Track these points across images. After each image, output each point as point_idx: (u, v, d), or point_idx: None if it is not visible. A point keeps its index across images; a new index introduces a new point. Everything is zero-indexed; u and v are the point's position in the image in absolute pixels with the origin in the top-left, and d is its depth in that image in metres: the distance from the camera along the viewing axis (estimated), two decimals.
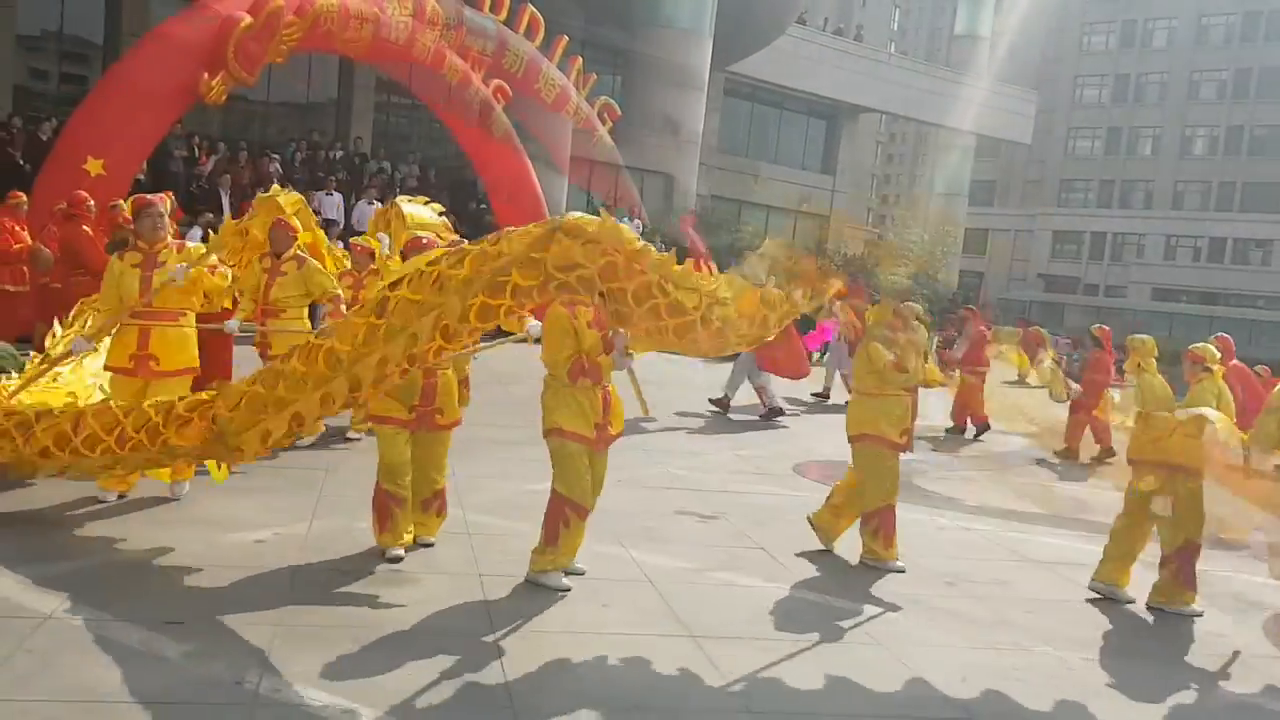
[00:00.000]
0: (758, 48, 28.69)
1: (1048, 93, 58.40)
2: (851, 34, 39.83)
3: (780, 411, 13.03)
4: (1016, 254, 65.14)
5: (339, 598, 5.24)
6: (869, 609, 5.83)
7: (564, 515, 5.59)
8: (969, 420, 13.51)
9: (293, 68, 18.29)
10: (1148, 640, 5.88)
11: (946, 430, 13.38)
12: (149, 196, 6.77)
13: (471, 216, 21.36)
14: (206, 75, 12.22)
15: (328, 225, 17.36)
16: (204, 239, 11.88)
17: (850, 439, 6.90)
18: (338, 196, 19.04)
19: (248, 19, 12.32)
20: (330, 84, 26.59)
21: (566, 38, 16.04)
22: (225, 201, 16.47)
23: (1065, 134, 66.06)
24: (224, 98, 13.04)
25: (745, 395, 14.41)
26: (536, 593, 5.51)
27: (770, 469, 9.76)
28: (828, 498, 7.12)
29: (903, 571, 6.58)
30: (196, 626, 4.66)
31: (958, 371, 13.13)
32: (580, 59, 16.15)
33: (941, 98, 37.48)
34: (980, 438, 13.28)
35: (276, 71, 14.89)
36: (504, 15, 14.70)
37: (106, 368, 6.71)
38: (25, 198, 10.73)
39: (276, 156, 20.13)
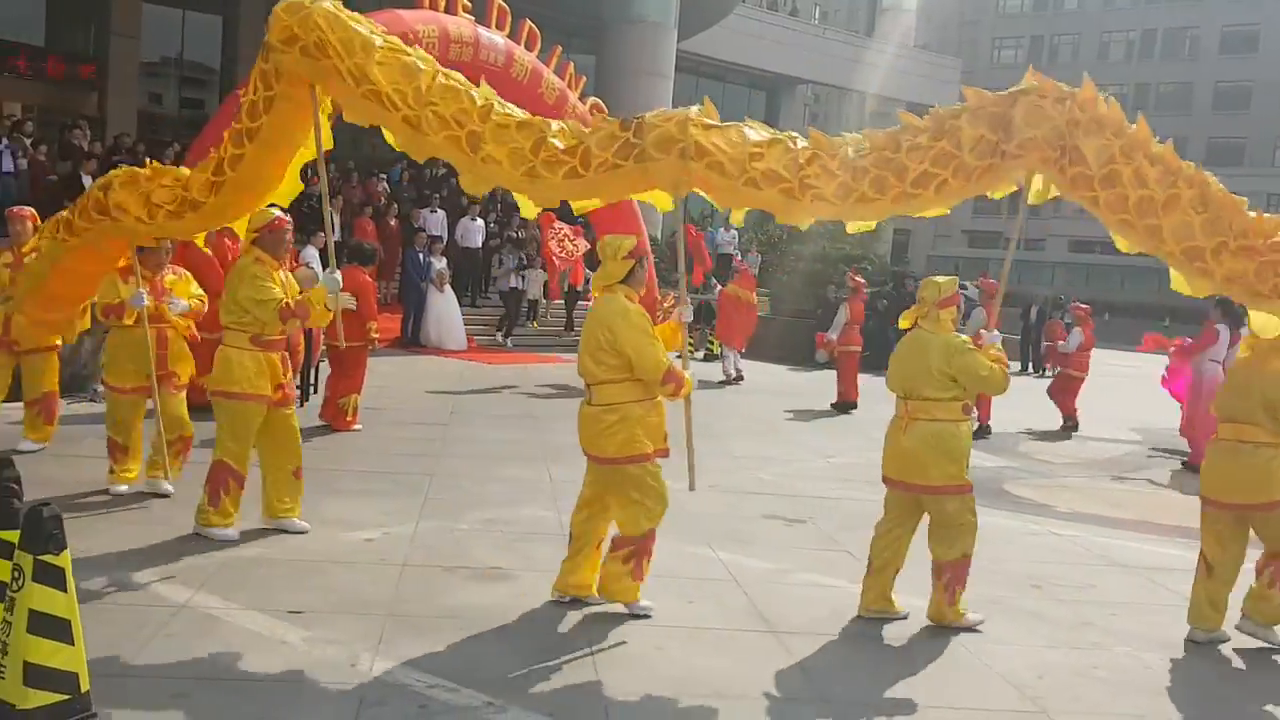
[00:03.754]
0: (706, 27, 30.22)
1: (967, 54, 62.16)
2: (787, 9, 42.99)
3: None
4: None
5: (442, 591, 5.63)
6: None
7: None
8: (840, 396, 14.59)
9: None
10: (1232, 643, 5.90)
11: (832, 405, 14.46)
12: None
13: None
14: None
15: (433, 241, 18.09)
16: (321, 256, 12.49)
17: None
18: (442, 214, 19.73)
19: None
20: None
21: (561, 47, 17.40)
22: (336, 220, 17.21)
23: None
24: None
25: (820, 398, 14.60)
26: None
27: (860, 476, 9.89)
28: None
29: None
30: (315, 615, 5.09)
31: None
32: (560, 47, 17.56)
33: (872, 68, 39.96)
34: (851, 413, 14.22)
35: None
36: (507, 30, 16.31)
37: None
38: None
39: (384, 176, 20.94)
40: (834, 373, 14.86)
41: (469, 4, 15.77)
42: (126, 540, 6.10)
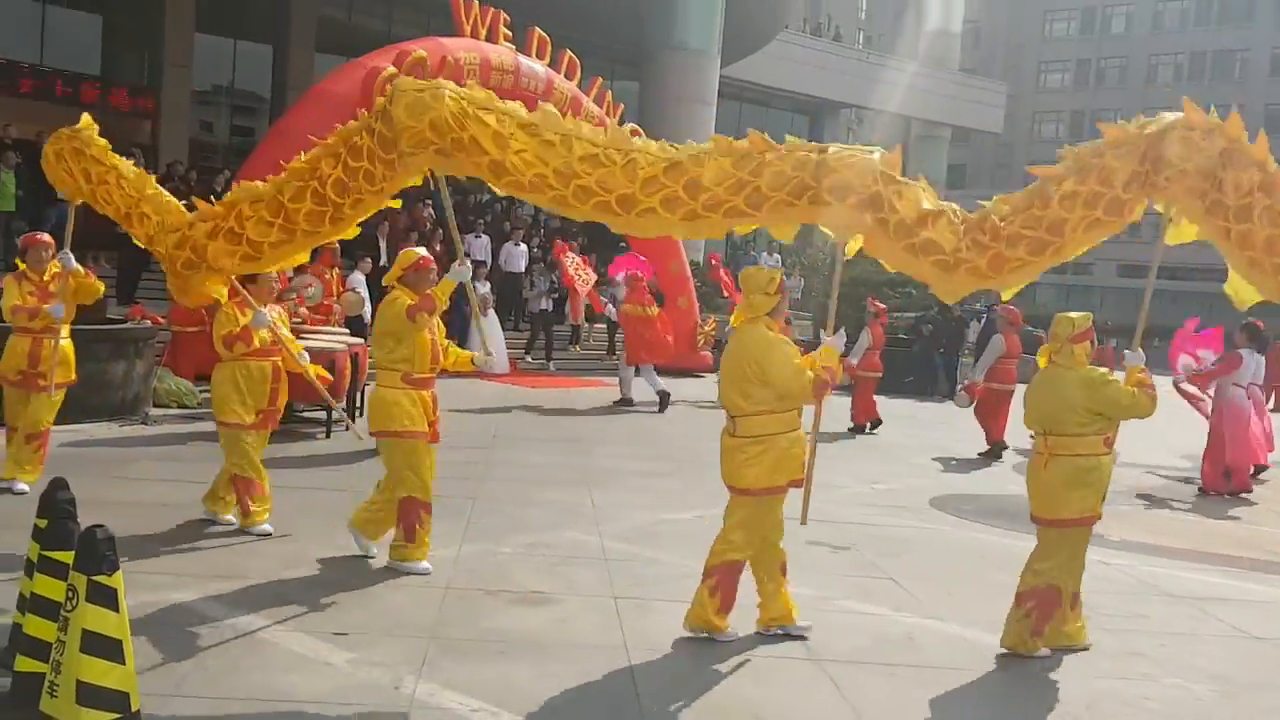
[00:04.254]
0: (748, 53, 30.49)
1: (1013, 79, 61.63)
2: (830, 34, 42.95)
3: (630, 402, 15.18)
4: None
5: (486, 614, 5.66)
6: (995, 637, 5.91)
7: None
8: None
9: None
10: None
11: (849, 429, 14.62)
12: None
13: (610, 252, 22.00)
14: None
15: (476, 265, 18.26)
16: (368, 281, 12.60)
17: None
18: (485, 239, 19.91)
19: (390, 69, 13.09)
20: None
21: (601, 79, 17.45)
22: (382, 246, 17.40)
23: (1031, 118, 68.50)
24: None
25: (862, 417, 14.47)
26: (666, 614, 5.80)
27: (905, 502, 9.84)
28: None
29: None
30: (359, 637, 5.14)
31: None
32: (601, 79, 17.61)
33: (916, 92, 39.93)
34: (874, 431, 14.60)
35: None
36: (548, 59, 16.39)
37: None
38: None
39: (429, 202, 21.16)
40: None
41: (510, 33, 15.99)
42: (177, 562, 6.21)
